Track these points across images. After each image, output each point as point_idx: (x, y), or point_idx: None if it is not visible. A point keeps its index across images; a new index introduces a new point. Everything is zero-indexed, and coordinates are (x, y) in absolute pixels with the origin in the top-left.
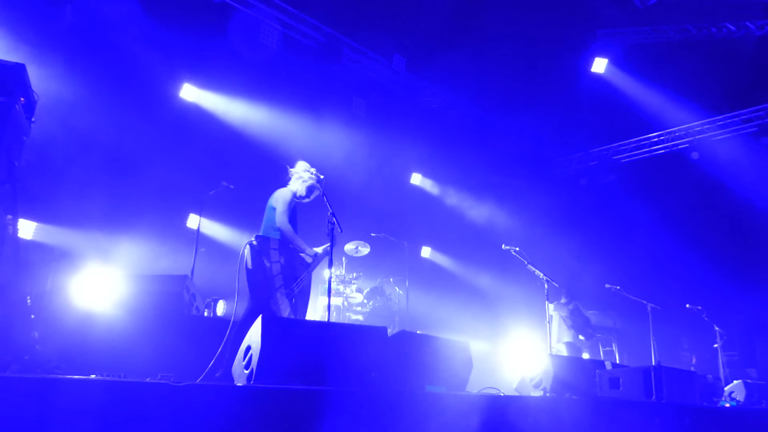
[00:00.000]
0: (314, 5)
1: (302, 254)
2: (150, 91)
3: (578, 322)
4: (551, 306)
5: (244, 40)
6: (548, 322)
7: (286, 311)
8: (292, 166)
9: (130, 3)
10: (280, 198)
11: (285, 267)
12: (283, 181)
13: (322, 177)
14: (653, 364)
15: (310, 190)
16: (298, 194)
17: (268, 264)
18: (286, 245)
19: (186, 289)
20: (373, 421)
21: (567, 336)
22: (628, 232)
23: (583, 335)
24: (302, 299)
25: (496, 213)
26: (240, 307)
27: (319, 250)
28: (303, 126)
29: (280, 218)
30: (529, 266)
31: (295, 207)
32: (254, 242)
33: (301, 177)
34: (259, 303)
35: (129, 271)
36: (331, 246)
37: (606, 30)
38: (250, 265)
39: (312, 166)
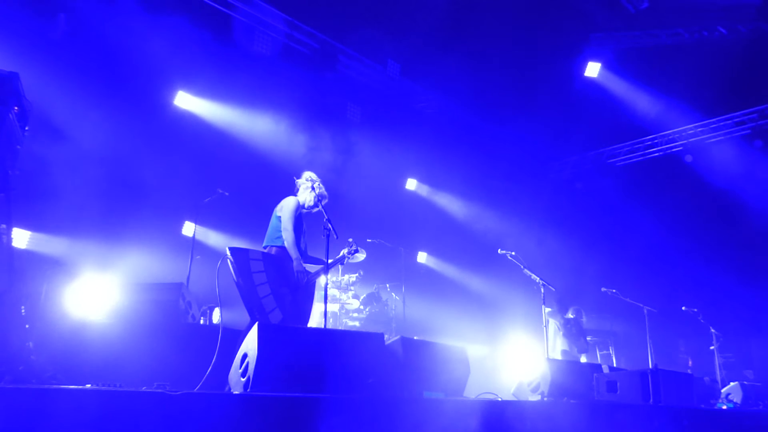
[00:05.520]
0: (308, 12)
1: (300, 264)
2: (144, 98)
3: (572, 332)
4: (547, 311)
5: (238, 47)
6: (545, 326)
7: (276, 319)
8: (299, 177)
9: (123, 12)
10: (285, 207)
11: (272, 275)
12: (282, 188)
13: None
14: (650, 367)
15: (318, 199)
16: (306, 204)
17: (249, 275)
18: (274, 255)
19: (182, 297)
20: (371, 428)
21: (562, 344)
22: (624, 235)
23: (576, 346)
24: (303, 305)
25: (492, 217)
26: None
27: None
28: (298, 133)
29: (285, 225)
30: (525, 270)
31: (301, 216)
32: (229, 256)
33: (308, 188)
34: (248, 313)
35: (124, 280)
36: (327, 251)
37: (599, 34)
38: (235, 278)
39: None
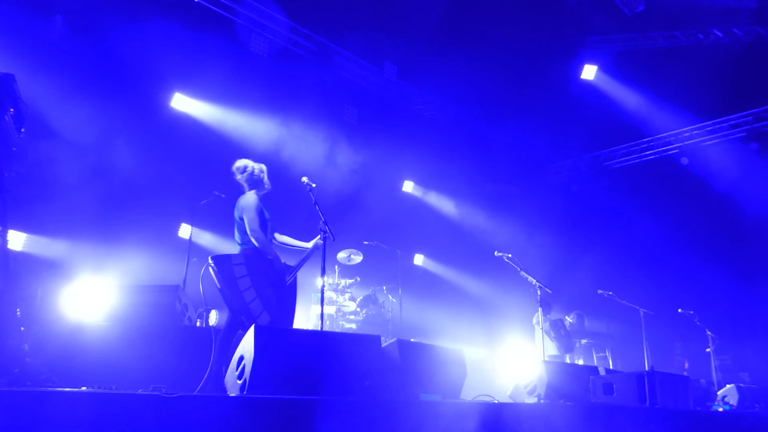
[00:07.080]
0: (305, 14)
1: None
2: (141, 100)
3: (560, 334)
4: (536, 316)
5: (236, 49)
6: (541, 329)
7: (264, 322)
8: (242, 172)
9: (120, 13)
10: (246, 207)
11: (256, 278)
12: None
13: (314, 185)
14: (646, 369)
15: (267, 180)
16: (265, 190)
17: (233, 281)
18: (254, 256)
19: (178, 300)
20: (368, 430)
21: (551, 348)
22: (620, 237)
23: (563, 347)
24: (288, 302)
25: (489, 220)
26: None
27: (308, 244)
28: (295, 134)
29: (252, 226)
30: (522, 273)
31: (263, 209)
32: (212, 264)
33: (252, 175)
34: (233, 319)
35: (120, 282)
36: (323, 254)
37: (595, 37)
38: (218, 286)
39: (257, 162)
